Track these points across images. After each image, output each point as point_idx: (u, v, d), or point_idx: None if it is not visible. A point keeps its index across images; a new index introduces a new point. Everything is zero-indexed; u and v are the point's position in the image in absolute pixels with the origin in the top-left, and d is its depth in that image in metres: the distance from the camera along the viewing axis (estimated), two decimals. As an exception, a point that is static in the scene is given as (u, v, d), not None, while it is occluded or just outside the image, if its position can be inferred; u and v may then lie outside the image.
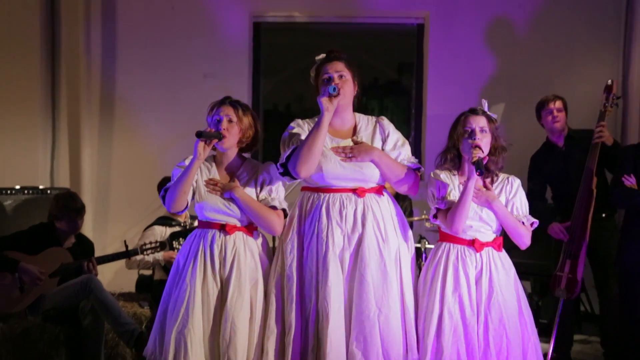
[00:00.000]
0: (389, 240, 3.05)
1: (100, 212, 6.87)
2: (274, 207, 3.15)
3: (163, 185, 4.93)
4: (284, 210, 3.18)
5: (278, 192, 3.20)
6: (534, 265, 5.40)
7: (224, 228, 3.12)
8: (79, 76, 6.78)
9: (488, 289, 3.01)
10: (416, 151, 6.93)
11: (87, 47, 6.83)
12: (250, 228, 3.18)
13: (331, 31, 7.28)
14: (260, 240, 3.23)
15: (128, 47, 6.97)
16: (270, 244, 3.46)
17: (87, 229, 4.77)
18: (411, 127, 7.17)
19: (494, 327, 2.96)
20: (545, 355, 4.43)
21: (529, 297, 5.80)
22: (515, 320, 3.01)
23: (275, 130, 7.42)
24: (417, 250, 5.17)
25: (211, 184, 3.14)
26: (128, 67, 6.96)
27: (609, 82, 4.54)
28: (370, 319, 2.95)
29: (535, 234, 4.35)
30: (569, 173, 4.56)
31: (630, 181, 3.72)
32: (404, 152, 3.21)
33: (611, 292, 4.43)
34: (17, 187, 6.07)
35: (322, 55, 3.22)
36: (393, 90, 8.12)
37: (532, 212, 4.62)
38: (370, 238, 3.02)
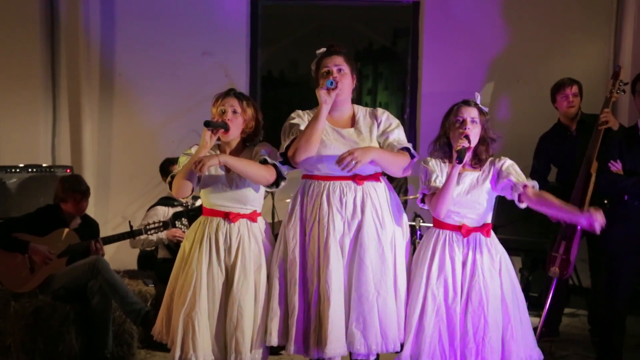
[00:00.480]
0: (386, 226, 3.20)
1: (102, 188, 6.97)
2: (265, 162, 3.22)
3: (165, 167, 5.07)
4: (274, 165, 3.24)
5: (270, 155, 3.26)
6: (525, 241, 5.59)
7: (227, 216, 3.26)
8: (79, 53, 6.84)
9: (470, 272, 3.15)
10: (411, 129, 7.06)
11: (87, 24, 6.87)
12: (253, 215, 3.32)
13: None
14: (264, 226, 3.38)
15: (127, 24, 7.01)
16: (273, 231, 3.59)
17: (89, 204, 4.91)
18: (406, 104, 7.27)
19: (472, 309, 3.11)
20: (535, 329, 4.63)
21: (520, 272, 6.00)
22: (496, 303, 3.15)
23: (269, 96, 7.52)
24: (412, 227, 5.32)
25: (197, 164, 3.07)
26: (127, 43, 7.01)
27: (617, 68, 4.60)
28: (369, 301, 3.11)
29: (527, 212, 4.57)
30: (576, 158, 4.65)
31: (616, 167, 3.84)
32: (397, 133, 3.30)
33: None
34: (21, 165, 6.18)
35: (323, 50, 3.34)
36: (387, 57, 8.08)
37: None
38: (369, 224, 3.17)
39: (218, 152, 3.35)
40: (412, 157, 3.27)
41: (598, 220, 2.91)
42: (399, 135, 3.31)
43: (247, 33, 7.07)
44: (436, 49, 6.93)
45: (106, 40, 7.01)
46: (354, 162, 2.99)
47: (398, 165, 3.23)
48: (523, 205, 3.22)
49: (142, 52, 6.97)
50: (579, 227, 4.37)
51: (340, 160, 3.02)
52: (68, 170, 6.32)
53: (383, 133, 3.29)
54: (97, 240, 4.38)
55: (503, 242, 5.76)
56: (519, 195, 3.17)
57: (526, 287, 5.84)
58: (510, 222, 5.67)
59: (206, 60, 6.99)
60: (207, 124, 3.15)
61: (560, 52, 6.69)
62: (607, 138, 4.39)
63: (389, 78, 8.22)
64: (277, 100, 8.11)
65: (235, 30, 7.09)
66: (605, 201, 4.46)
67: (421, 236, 5.30)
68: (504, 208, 5.79)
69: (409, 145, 3.28)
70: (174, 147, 6.90)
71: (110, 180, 7.10)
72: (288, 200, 5.05)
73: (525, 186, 3.16)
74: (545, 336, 4.78)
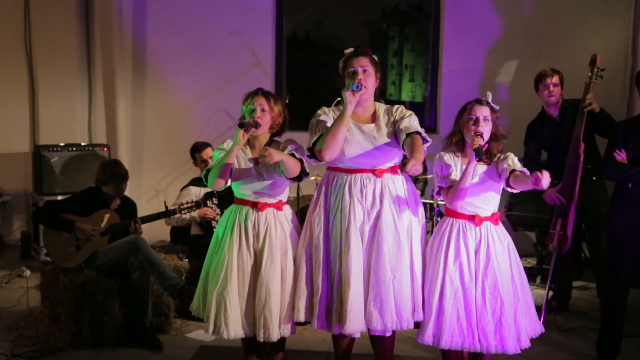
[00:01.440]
0: (402, 215, 3.48)
1: (136, 163, 7.34)
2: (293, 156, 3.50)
3: (195, 150, 5.42)
4: (300, 160, 3.52)
5: (297, 150, 3.56)
6: (538, 218, 5.85)
7: (256, 205, 3.58)
8: (112, 34, 7.16)
9: (485, 259, 3.42)
10: (432, 106, 7.28)
11: (120, 6, 7.18)
12: (279, 204, 3.63)
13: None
14: (290, 214, 3.69)
15: (158, 6, 7.31)
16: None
17: None
18: (428, 80, 7.47)
19: (490, 291, 3.40)
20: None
21: (534, 246, 6.28)
22: (509, 285, 3.44)
23: (294, 59, 7.70)
24: (430, 205, 5.61)
25: (267, 154, 3.30)
26: (158, 25, 7.32)
27: (593, 56, 4.85)
28: (386, 284, 3.40)
29: (541, 191, 4.69)
30: (563, 141, 4.94)
31: (621, 156, 4.03)
32: (407, 121, 3.49)
33: (602, 248, 4.89)
34: (62, 144, 6.55)
35: (350, 50, 3.58)
36: (414, 18, 8.16)
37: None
38: (387, 214, 3.45)
39: (248, 146, 3.64)
40: (425, 141, 3.46)
41: (542, 179, 3.09)
42: (409, 122, 3.50)
43: (272, 6, 7.29)
44: (457, 28, 7.11)
45: (138, 22, 7.30)
46: (416, 171, 3.14)
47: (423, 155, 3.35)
48: (513, 191, 3.44)
49: (173, 33, 7.26)
50: (573, 205, 4.65)
51: (406, 169, 3.15)
52: (105, 149, 6.69)
53: (395, 122, 3.52)
54: (135, 221, 4.73)
55: (518, 218, 6.10)
56: (507, 182, 3.38)
57: (540, 261, 6.14)
58: (524, 200, 5.94)
59: (233, 41, 7.25)
60: (242, 125, 3.43)
61: (579, 31, 6.83)
62: (590, 119, 4.76)
63: (415, 39, 8.28)
64: (302, 62, 8.21)
65: (261, 12, 7.30)
66: (594, 177, 4.92)
67: (439, 213, 5.57)
68: (519, 187, 6.07)
69: (421, 130, 3.47)
70: (203, 125, 7.26)
71: (143, 156, 7.46)
72: (313, 178, 5.39)
73: (512, 171, 3.36)
74: (555, 311, 5.09)
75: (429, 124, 7.35)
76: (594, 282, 5.74)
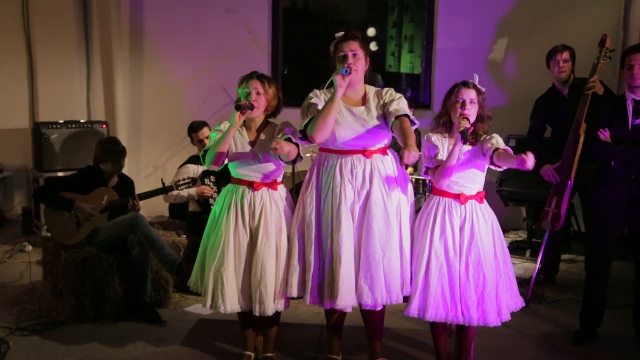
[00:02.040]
0: (391, 195, 3.61)
1: (134, 139, 7.45)
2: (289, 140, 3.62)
3: (192, 129, 5.51)
4: (296, 144, 3.65)
5: (291, 133, 3.68)
6: (529, 194, 5.98)
7: (252, 185, 3.71)
8: (110, 13, 7.21)
9: (470, 236, 3.56)
10: (426, 83, 7.37)
11: (116, -17, 7.20)
12: (274, 184, 3.76)
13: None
14: (284, 193, 3.82)
15: (154, -17, 7.34)
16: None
17: None
18: (422, 57, 7.53)
19: (473, 267, 3.54)
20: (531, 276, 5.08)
21: (524, 221, 6.42)
22: (492, 261, 3.58)
23: (292, 29, 7.70)
24: (423, 181, 5.71)
25: (277, 146, 3.40)
26: (155, 1, 7.38)
27: (603, 36, 4.88)
28: (376, 260, 3.55)
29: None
30: (568, 119, 4.97)
31: (604, 135, 4.15)
32: (396, 104, 3.59)
33: None
34: (61, 121, 6.65)
35: (341, 34, 3.68)
36: None
37: (529, 149, 5.22)
38: (376, 193, 3.58)
39: (244, 127, 3.76)
40: (413, 123, 3.55)
41: (527, 161, 3.23)
42: (398, 105, 3.60)
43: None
44: (451, 5, 7.17)
45: (135, -1, 7.35)
46: (414, 158, 3.21)
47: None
48: (498, 169, 3.55)
49: (169, 10, 7.34)
50: (569, 184, 4.77)
51: (405, 160, 3.23)
52: (104, 126, 6.79)
53: (384, 105, 3.63)
54: (134, 197, 4.85)
55: (509, 194, 6.24)
56: (492, 160, 3.50)
57: (530, 235, 6.29)
58: (515, 176, 6.07)
59: (230, 17, 7.31)
60: (238, 107, 3.56)
61: (570, 7, 6.89)
62: (594, 101, 4.75)
63: (415, 10, 8.26)
64: (301, 33, 8.19)
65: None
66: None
67: (431, 188, 5.68)
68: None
69: (409, 112, 3.58)
70: (200, 101, 7.35)
71: (141, 132, 7.56)
72: (309, 155, 5.50)
73: (496, 149, 3.47)
74: (542, 283, 5.24)
75: (424, 100, 7.45)
76: (582, 255, 5.82)
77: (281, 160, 3.65)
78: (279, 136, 3.61)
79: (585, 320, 4.37)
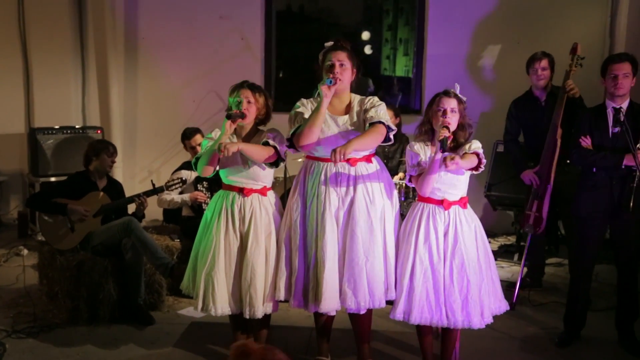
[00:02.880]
0: (375, 201, 3.71)
1: (129, 145, 7.54)
2: (266, 144, 3.77)
3: (185, 136, 5.60)
4: (274, 147, 3.76)
5: (275, 139, 3.80)
6: (517, 198, 6.06)
7: (242, 191, 3.82)
8: (105, 19, 7.28)
9: (453, 241, 3.66)
10: (417, 88, 7.46)
11: (111, -8, 7.29)
12: (264, 190, 3.88)
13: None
14: (273, 199, 3.94)
15: (148, -11, 7.42)
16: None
17: (118, 159, 5.36)
18: (413, 64, 7.63)
19: (457, 271, 3.64)
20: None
21: (512, 225, 6.52)
22: (475, 265, 3.68)
23: (287, 32, 7.71)
24: (414, 188, 5.80)
25: (223, 150, 3.57)
26: (149, 8, 7.45)
27: (574, 44, 5.02)
28: (359, 265, 3.65)
29: (517, 173, 5.25)
30: (542, 125, 5.11)
31: (586, 142, 4.25)
32: (374, 110, 3.70)
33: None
34: (56, 127, 6.73)
35: (330, 43, 3.78)
36: None
37: (507, 153, 5.38)
38: (360, 200, 3.69)
39: (234, 135, 3.87)
40: (388, 129, 3.68)
41: (448, 165, 3.38)
42: (376, 111, 3.70)
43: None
44: (441, 12, 7.27)
45: (130, 6, 7.44)
46: (341, 157, 3.44)
47: (376, 141, 3.66)
48: (475, 172, 3.67)
49: (164, 17, 7.41)
50: (549, 187, 4.88)
51: (332, 157, 3.46)
52: (99, 132, 6.88)
53: (365, 111, 3.74)
54: (139, 195, 4.93)
55: (497, 198, 6.34)
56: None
57: (518, 239, 6.39)
58: (503, 181, 6.19)
59: (223, 25, 7.40)
60: (229, 116, 3.68)
61: (560, 16, 7.00)
62: (569, 106, 4.90)
63: (410, 13, 8.21)
64: (295, 36, 8.25)
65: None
66: (568, 161, 4.99)
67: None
68: (498, 168, 6.31)
69: (384, 120, 3.67)
70: (194, 107, 7.43)
71: (136, 137, 7.64)
72: (300, 160, 5.59)
73: (464, 154, 3.57)
74: (529, 286, 5.34)
75: (414, 105, 7.55)
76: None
77: (261, 164, 3.76)
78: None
79: (569, 322, 4.46)
